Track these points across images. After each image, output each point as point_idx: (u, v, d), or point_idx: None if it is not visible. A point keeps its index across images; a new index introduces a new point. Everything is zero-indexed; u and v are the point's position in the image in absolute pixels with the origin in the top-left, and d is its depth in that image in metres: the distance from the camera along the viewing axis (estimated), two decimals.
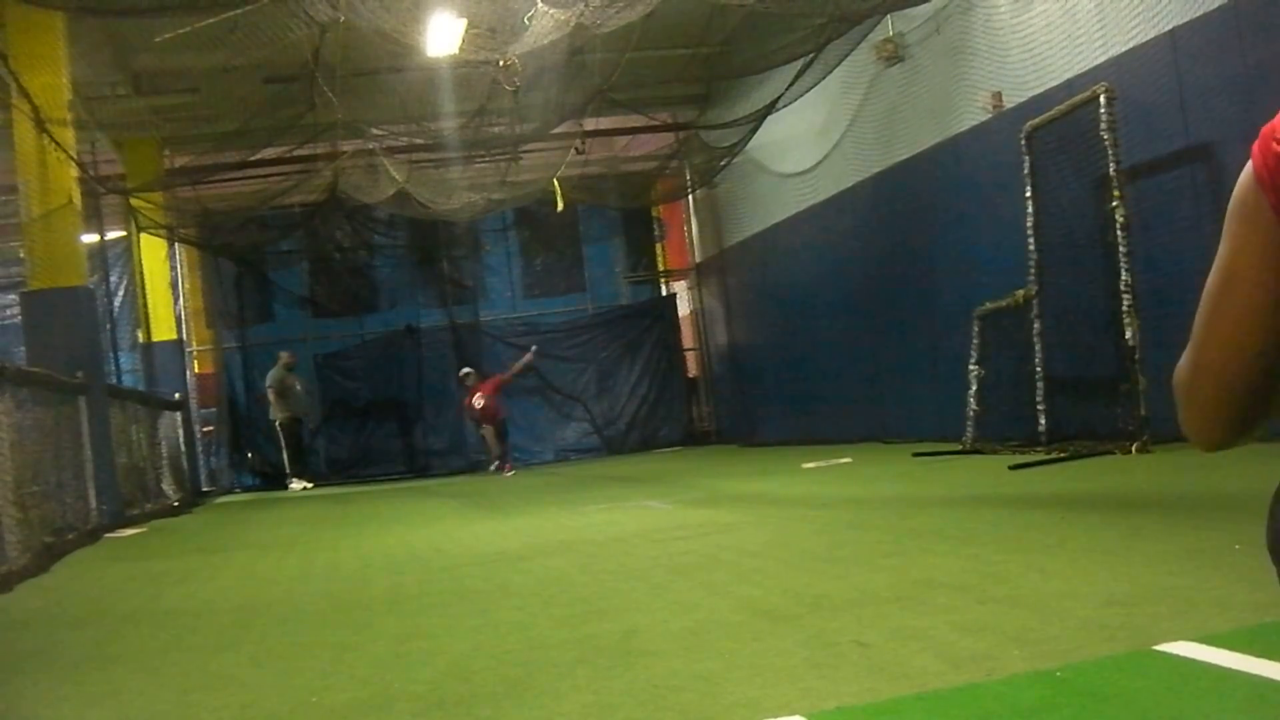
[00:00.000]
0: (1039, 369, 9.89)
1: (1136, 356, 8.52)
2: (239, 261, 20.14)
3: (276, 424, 18.38)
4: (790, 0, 11.09)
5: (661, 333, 21.16)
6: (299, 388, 18.60)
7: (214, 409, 19.95)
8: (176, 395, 16.77)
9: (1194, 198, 8.59)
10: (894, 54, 12.62)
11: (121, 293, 18.36)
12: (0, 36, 11.12)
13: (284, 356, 18.51)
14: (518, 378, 18.27)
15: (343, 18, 9.98)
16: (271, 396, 18.36)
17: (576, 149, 16.92)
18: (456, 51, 11.60)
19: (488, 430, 17.62)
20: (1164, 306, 8.79)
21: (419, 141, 15.91)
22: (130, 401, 13.10)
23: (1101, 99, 8.67)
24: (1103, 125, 8.66)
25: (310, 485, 18.12)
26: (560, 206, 17.37)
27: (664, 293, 22.24)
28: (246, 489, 19.29)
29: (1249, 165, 1.15)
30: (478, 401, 17.41)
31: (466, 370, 18.00)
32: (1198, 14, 8.37)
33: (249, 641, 4.37)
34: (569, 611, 4.21)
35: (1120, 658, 2.72)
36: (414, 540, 7.90)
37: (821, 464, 11.09)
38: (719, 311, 20.39)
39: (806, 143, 15.19)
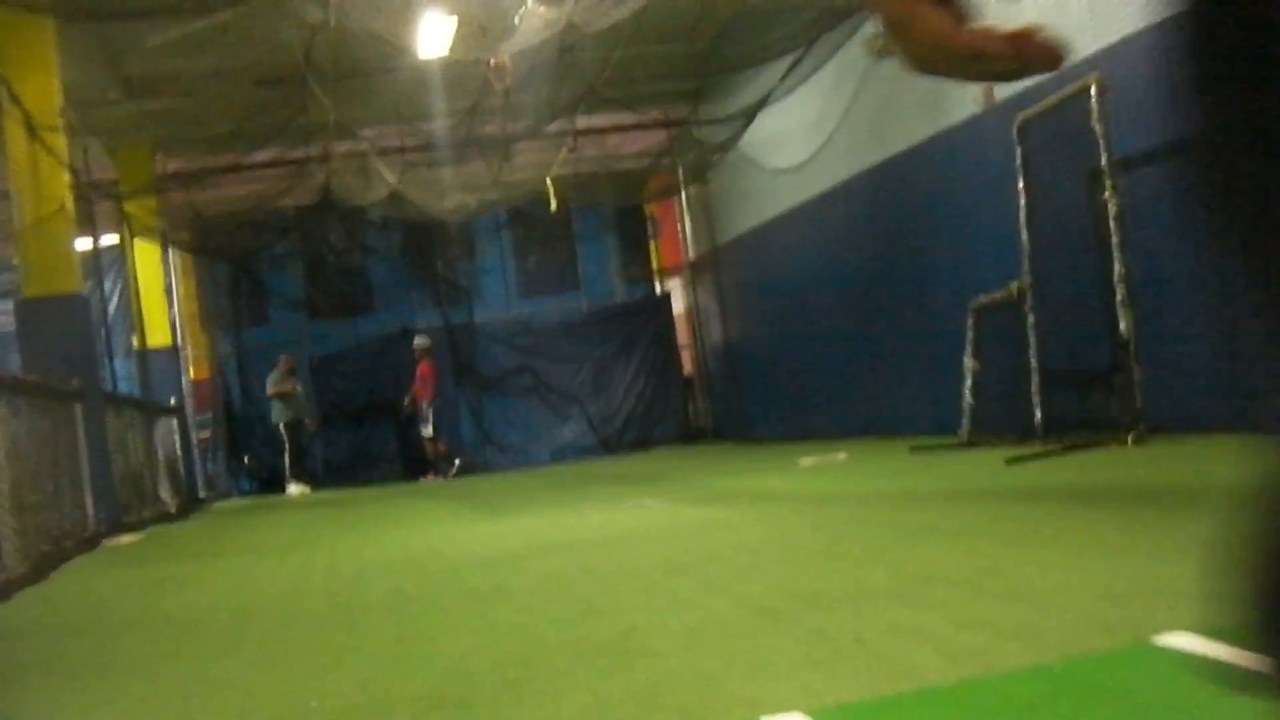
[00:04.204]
0: (1034, 362, 9.89)
1: (1131, 348, 8.52)
2: (233, 265, 20.14)
3: (280, 426, 18.42)
4: None
5: (656, 330, 21.15)
6: (300, 390, 18.67)
7: (210, 414, 19.94)
8: (172, 401, 16.76)
9: (1186, 188, 8.59)
10: (885, 48, 12.60)
11: (116, 298, 18.34)
12: None
13: (284, 360, 18.58)
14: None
15: (333, 20, 9.98)
16: (274, 400, 18.43)
17: (568, 147, 16.93)
18: (447, 51, 11.60)
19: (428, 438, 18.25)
20: (1158, 298, 8.80)
21: (411, 142, 15.91)
22: (126, 408, 13.10)
23: (1093, 90, 8.67)
24: (1094, 117, 8.66)
25: (309, 489, 18.13)
26: (553, 205, 17.39)
27: (658, 290, 22.23)
28: (244, 494, 19.29)
29: None
30: (418, 375, 18.24)
31: (418, 343, 18.47)
32: (1189, 3, 8.37)
33: (248, 646, 4.36)
34: (567, 611, 4.22)
35: (1118, 651, 2.73)
36: (412, 542, 7.90)
37: (818, 460, 11.10)
38: (714, 308, 20.39)
39: (799, 137, 15.19)
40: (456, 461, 18.61)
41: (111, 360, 17.11)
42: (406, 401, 18.67)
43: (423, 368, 18.41)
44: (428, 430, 18.38)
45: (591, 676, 3.12)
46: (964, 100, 11.32)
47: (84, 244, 15.22)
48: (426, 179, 16.90)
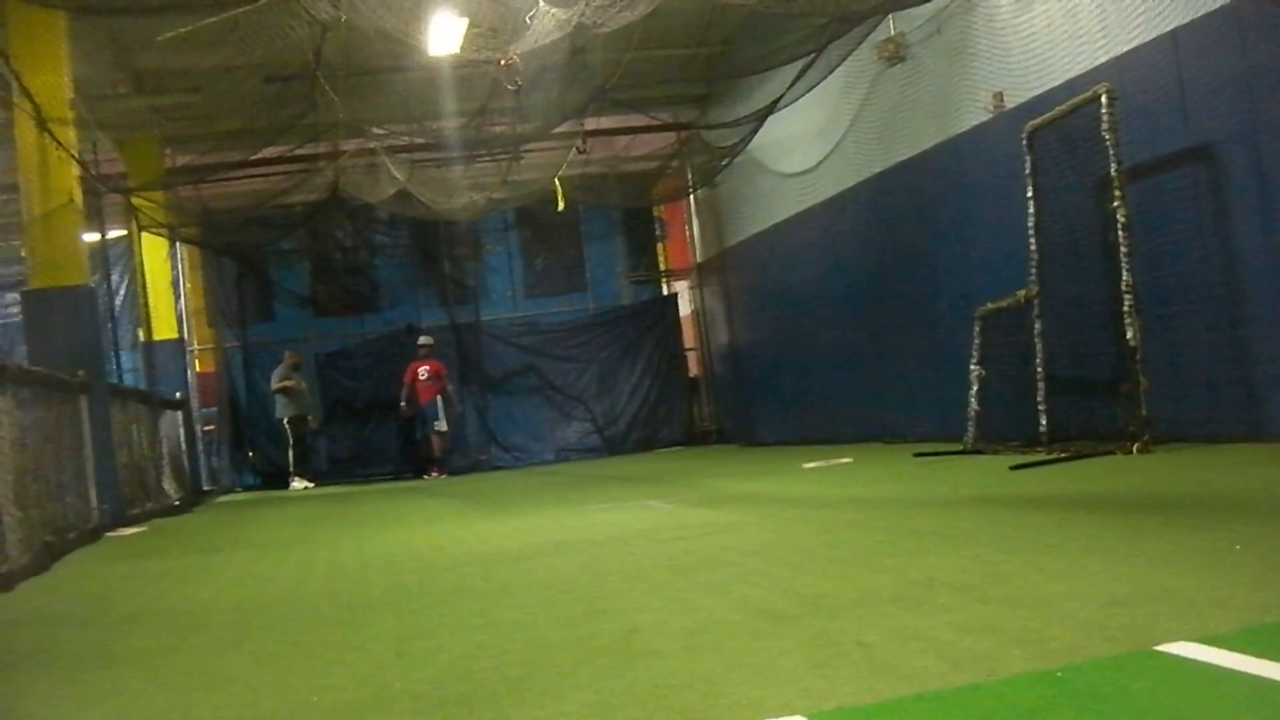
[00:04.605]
0: (1040, 369, 9.88)
1: (1138, 356, 8.51)
2: (240, 261, 20.17)
3: (284, 421, 18.44)
4: (791, 0, 11.08)
5: (662, 333, 21.16)
6: (304, 386, 18.70)
7: (215, 408, 19.98)
8: (177, 394, 16.79)
9: (1195, 198, 8.59)
10: (895, 54, 12.62)
11: (123, 292, 18.38)
12: (2, 35, 11.13)
13: (289, 356, 18.62)
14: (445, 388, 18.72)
15: (344, 17, 9.98)
16: (278, 395, 18.47)
17: (578, 148, 16.94)
18: (458, 51, 11.60)
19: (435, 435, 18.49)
20: (1165, 306, 8.80)
21: (420, 141, 15.92)
22: (131, 400, 13.11)
23: (1103, 99, 8.66)
24: (1104, 125, 8.65)
25: (311, 485, 18.16)
26: (561, 206, 17.40)
27: (665, 293, 22.23)
28: (247, 488, 19.32)
29: None
30: (423, 373, 18.38)
31: (427, 341, 18.70)
32: (1199, 14, 8.38)
33: (250, 641, 4.37)
34: (570, 611, 4.21)
35: (1121, 658, 2.72)
36: (414, 540, 7.91)
37: (822, 464, 11.09)
38: (720, 311, 20.39)
39: (808, 143, 15.19)
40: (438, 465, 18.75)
41: (117, 353, 17.21)
42: (404, 405, 18.63)
43: (435, 365, 18.50)
44: (442, 425, 18.45)
45: (593, 676, 3.12)
46: (973, 107, 11.32)
47: (91, 237, 15.26)
48: (435, 178, 16.91)
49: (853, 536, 5.71)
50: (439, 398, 18.39)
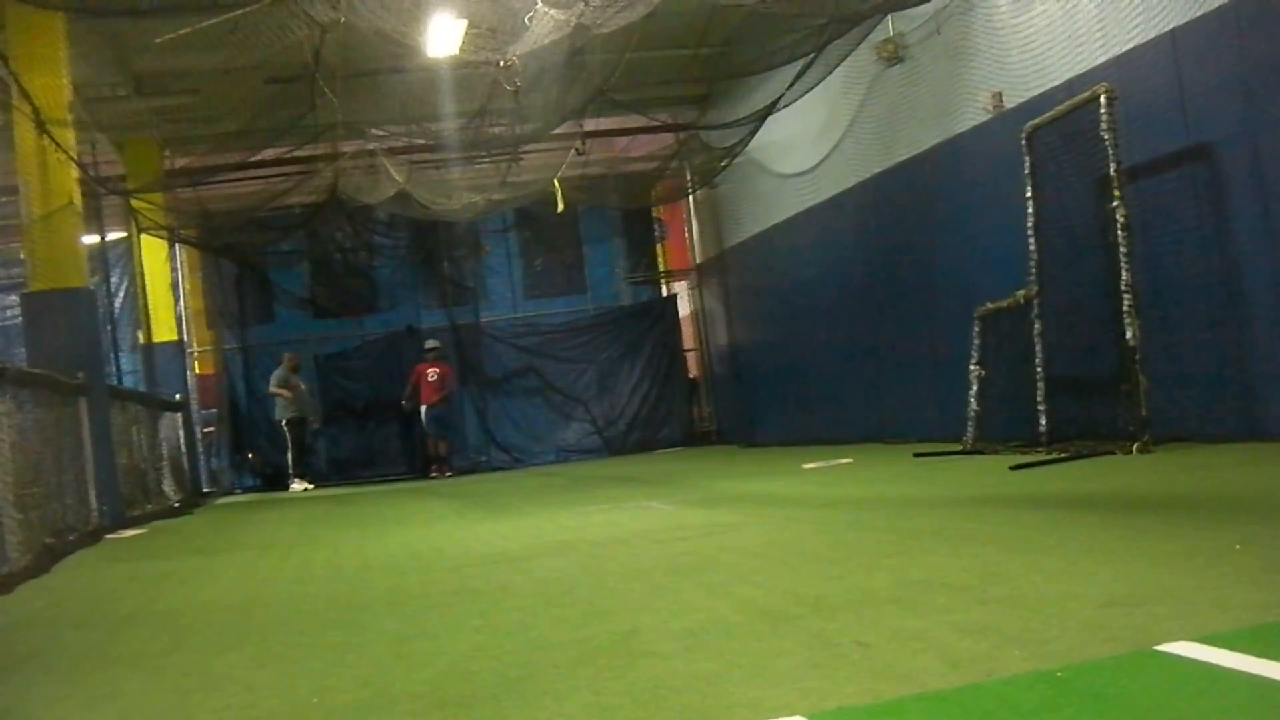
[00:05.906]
0: (1040, 369, 9.88)
1: (1137, 356, 8.51)
2: (239, 262, 20.17)
3: (283, 423, 18.44)
4: (790, 0, 11.09)
5: (662, 333, 21.17)
6: (303, 388, 18.70)
7: (215, 410, 19.98)
8: (177, 396, 16.79)
9: (1194, 197, 8.59)
10: (894, 54, 12.62)
11: (122, 294, 18.38)
12: (1, 38, 11.12)
13: (288, 357, 18.62)
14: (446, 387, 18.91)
15: (343, 18, 9.99)
16: (276, 397, 18.48)
17: (577, 149, 16.94)
18: (457, 52, 11.60)
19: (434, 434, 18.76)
20: (1165, 306, 8.80)
21: (419, 142, 15.92)
22: (131, 402, 13.11)
23: (1102, 99, 8.67)
24: (1103, 125, 8.66)
25: (311, 486, 18.16)
26: (561, 207, 17.41)
27: (664, 293, 22.24)
28: (247, 490, 19.32)
29: None
30: (431, 374, 18.55)
31: (434, 344, 18.98)
32: (1198, 14, 8.38)
33: (250, 642, 4.37)
34: (570, 612, 4.21)
35: (1121, 658, 2.72)
36: (414, 541, 7.90)
37: (822, 464, 11.09)
38: (719, 312, 20.40)
39: (807, 143, 15.19)
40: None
41: (117, 355, 17.21)
42: (405, 402, 18.80)
43: (443, 368, 18.64)
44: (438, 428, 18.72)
45: (593, 677, 3.12)
46: (973, 108, 11.32)
47: (91, 239, 15.25)
48: (434, 179, 16.92)
49: (853, 537, 5.71)
50: (439, 403, 18.57)
